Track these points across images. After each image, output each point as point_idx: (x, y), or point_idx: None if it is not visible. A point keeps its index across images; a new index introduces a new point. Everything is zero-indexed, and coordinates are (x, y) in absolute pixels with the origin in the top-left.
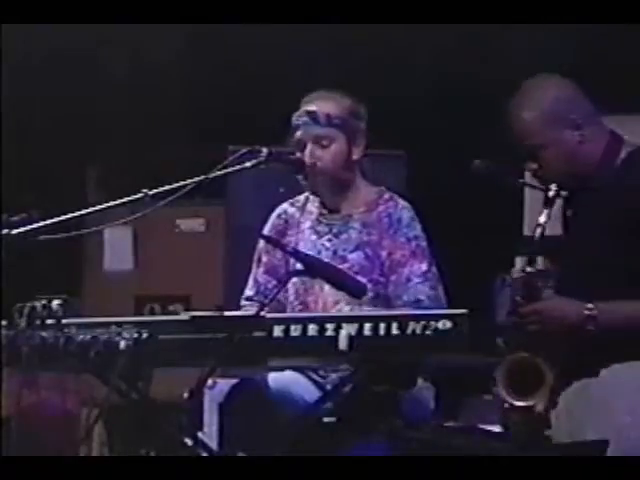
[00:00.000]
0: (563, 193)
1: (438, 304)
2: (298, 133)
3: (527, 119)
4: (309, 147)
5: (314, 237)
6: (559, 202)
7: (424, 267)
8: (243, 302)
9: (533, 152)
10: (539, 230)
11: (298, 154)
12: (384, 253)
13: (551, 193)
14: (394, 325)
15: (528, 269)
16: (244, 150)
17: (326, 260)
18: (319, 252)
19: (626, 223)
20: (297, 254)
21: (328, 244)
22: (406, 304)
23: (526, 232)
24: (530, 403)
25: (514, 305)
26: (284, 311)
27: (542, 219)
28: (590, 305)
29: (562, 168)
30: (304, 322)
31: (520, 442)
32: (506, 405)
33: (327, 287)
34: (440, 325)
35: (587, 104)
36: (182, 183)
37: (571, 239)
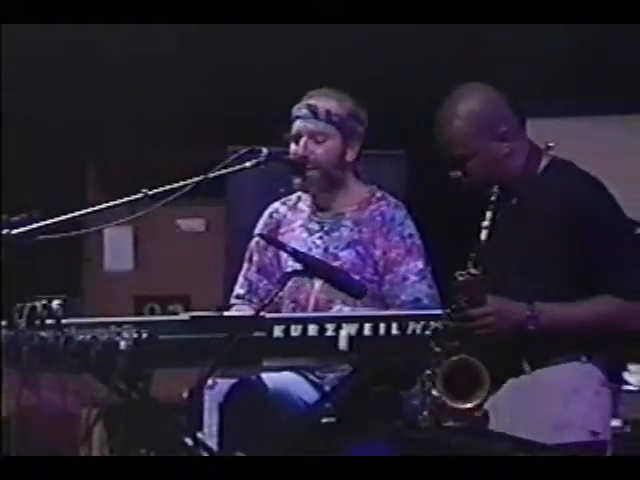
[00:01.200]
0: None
1: (436, 303)
2: (296, 125)
3: (457, 128)
4: (304, 140)
5: (305, 235)
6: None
7: (420, 265)
8: (233, 300)
9: (459, 161)
10: (485, 233)
11: (293, 146)
12: (378, 252)
13: (493, 197)
14: (394, 325)
15: (473, 271)
16: (244, 150)
17: (325, 260)
18: (310, 249)
19: (549, 229)
20: (296, 254)
21: (319, 242)
22: (404, 303)
23: None
24: (469, 405)
25: (458, 308)
26: (279, 310)
27: (486, 222)
28: (531, 306)
29: (487, 177)
30: (304, 322)
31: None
32: (430, 407)
33: (318, 285)
34: (440, 325)
35: (514, 114)
36: (182, 183)
37: (500, 242)
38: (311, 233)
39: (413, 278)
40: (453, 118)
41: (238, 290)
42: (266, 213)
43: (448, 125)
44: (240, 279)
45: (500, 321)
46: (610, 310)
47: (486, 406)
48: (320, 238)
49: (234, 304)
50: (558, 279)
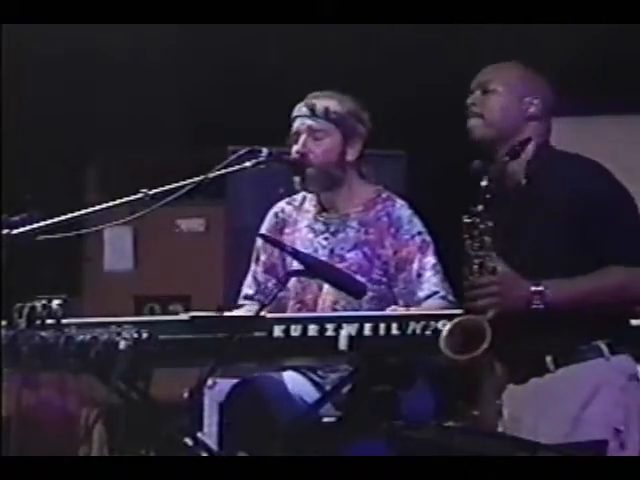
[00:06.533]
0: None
1: (452, 295)
2: (295, 124)
3: None
4: (302, 138)
5: (311, 235)
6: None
7: (433, 260)
8: (242, 301)
9: None
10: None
11: (294, 146)
12: (388, 253)
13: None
14: (394, 325)
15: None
16: (244, 150)
17: (325, 260)
18: (316, 250)
19: (564, 211)
20: (297, 254)
21: (325, 242)
22: (422, 299)
23: None
24: (470, 356)
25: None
26: (285, 311)
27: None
28: (537, 281)
29: None
30: (304, 322)
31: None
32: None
33: (326, 287)
34: (440, 325)
35: None
36: (182, 183)
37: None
38: (317, 234)
39: (428, 273)
40: None
41: (247, 290)
42: (271, 212)
43: None
44: (248, 279)
45: (504, 292)
46: (614, 278)
47: (509, 406)
48: (326, 239)
49: (243, 305)
50: (564, 256)
